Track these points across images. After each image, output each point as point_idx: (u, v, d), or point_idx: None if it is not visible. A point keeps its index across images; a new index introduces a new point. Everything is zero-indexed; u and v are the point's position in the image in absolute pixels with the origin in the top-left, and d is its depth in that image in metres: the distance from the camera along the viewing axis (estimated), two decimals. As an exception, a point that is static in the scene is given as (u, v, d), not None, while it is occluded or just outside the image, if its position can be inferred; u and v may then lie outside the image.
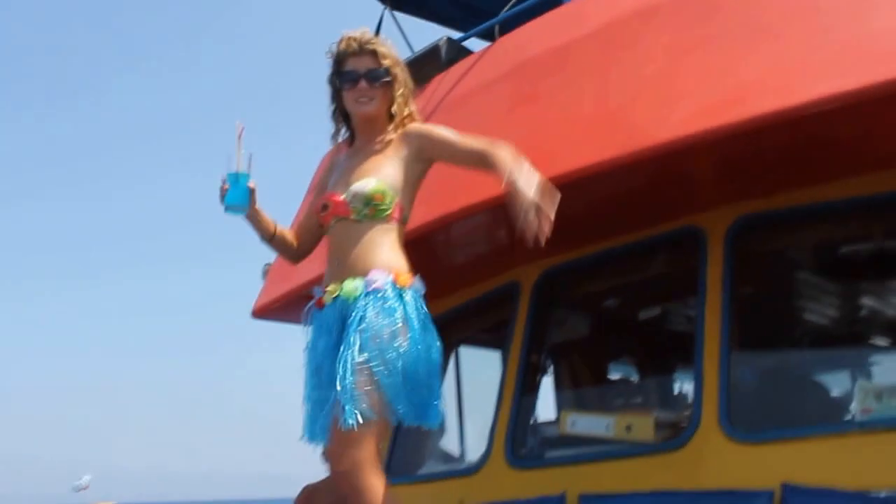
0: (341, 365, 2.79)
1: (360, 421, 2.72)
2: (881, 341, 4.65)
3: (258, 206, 3.17)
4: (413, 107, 3.26)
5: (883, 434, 3.33)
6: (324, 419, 2.85)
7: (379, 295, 2.90)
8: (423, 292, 3.04)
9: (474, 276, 4.92)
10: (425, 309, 3.01)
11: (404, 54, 5.33)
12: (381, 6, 5.94)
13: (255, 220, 3.21)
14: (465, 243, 4.63)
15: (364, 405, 2.74)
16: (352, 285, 2.92)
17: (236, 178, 3.13)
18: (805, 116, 3.13)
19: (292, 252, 3.38)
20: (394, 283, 2.94)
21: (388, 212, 3.03)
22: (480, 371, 5.44)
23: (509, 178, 2.77)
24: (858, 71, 3.05)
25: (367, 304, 2.87)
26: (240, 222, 3.23)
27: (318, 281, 3.23)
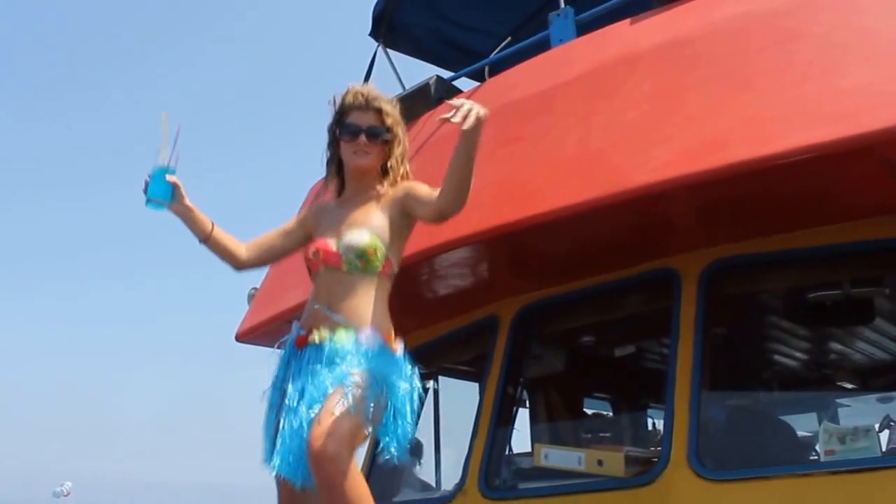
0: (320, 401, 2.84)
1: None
2: (846, 385, 4.77)
3: (189, 203, 3.16)
4: (407, 166, 3.33)
5: (845, 475, 3.43)
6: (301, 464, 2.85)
7: (371, 355, 2.95)
8: (405, 353, 3.09)
9: (454, 309, 5.00)
10: (409, 367, 3.05)
11: (396, 91, 5.47)
12: (374, 43, 6.06)
13: (185, 216, 3.18)
14: (446, 277, 4.70)
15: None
16: (343, 337, 2.96)
17: (161, 172, 3.12)
18: (778, 166, 3.26)
19: (233, 258, 3.31)
20: (383, 344, 3.01)
21: (380, 267, 3.09)
22: (458, 401, 5.50)
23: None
24: (829, 124, 3.18)
25: (357, 359, 2.92)
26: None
27: (301, 308, 3.27)
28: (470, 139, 2.88)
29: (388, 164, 3.25)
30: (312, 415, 2.82)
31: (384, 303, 3.09)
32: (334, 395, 2.81)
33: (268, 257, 3.40)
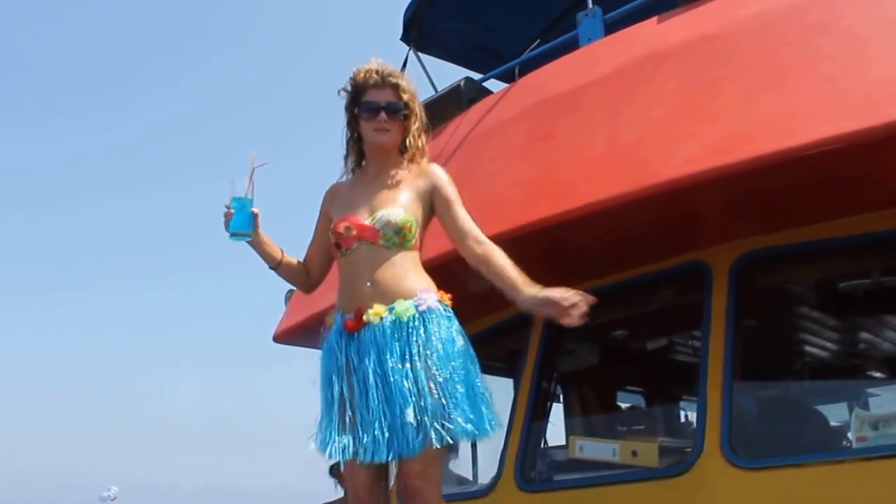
0: (418, 386, 2.88)
1: (444, 441, 2.82)
2: (877, 373, 4.79)
3: (262, 231, 3.21)
4: (423, 140, 3.36)
5: (878, 461, 3.47)
6: (395, 436, 2.86)
7: (434, 314, 3.02)
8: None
9: (488, 306, 5.05)
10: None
11: (427, 94, 5.57)
12: (405, 47, 6.17)
13: (259, 246, 3.24)
14: (479, 274, 4.79)
15: (447, 426, 2.84)
16: (404, 306, 3.00)
17: (241, 204, 3.15)
18: (806, 157, 3.30)
19: (302, 281, 3.42)
20: (440, 302, 3.09)
21: (414, 241, 3.16)
22: (493, 397, 5.56)
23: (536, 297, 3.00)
24: (856, 115, 3.23)
25: (424, 323, 2.99)
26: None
27: None
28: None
29: (406, 141, 3.28)
30: (404, 399, 2.87)
31: (422, 269, 3.15)
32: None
33: (326, 267, 3.43)
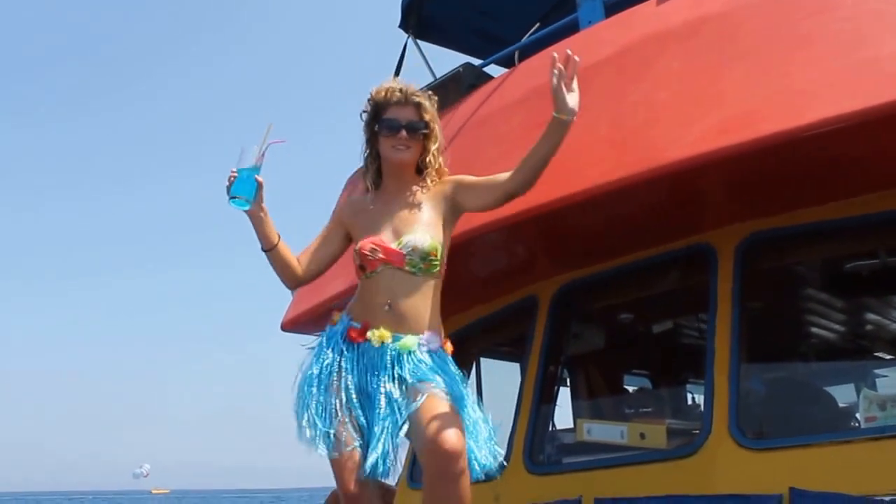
0: (398, 413, 2.95)
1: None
2: (885, 353, 4.78)
3: (264, 206, 3.17)
4: (442, 159, 3.37)
5: (886, 441, 3.46)
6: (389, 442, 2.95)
7: (434, 356, 3.07)
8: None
9: (495, 290, 5.06)
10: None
11: (427, 80, 5.55)
12: (404, 35, 6.15)
13: (259, 221, 3.19)
14: (486, 259, 4.77)
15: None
16: (408, 342, 3.04)
17: (248, 172, 3.10)
18: (812, 137, 3.29)
19: (290, 273, 3.33)
20: (442, 349, 3.13)
21: (439, 267, 3.17)
22: (500, 381, 5.57)
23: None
24: (862, 93, 3.21)
25: (423, 361, 3.04)
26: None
27: (345, 295, 3.31)
28: (566, 128, 3.12)
29: (426, 160, 3.29)
30: (396, 419, 2.95)
31: (439, 304, 3.18)
32: (437, 397, 2.93)
33: (319, 269, 3.39)
